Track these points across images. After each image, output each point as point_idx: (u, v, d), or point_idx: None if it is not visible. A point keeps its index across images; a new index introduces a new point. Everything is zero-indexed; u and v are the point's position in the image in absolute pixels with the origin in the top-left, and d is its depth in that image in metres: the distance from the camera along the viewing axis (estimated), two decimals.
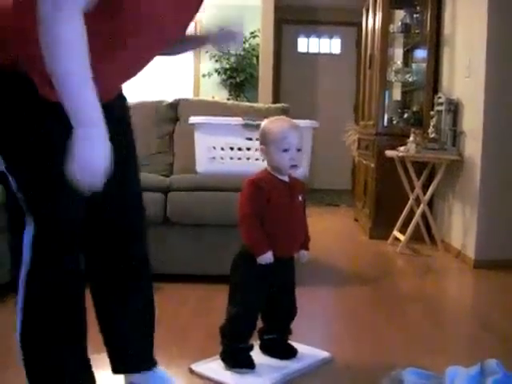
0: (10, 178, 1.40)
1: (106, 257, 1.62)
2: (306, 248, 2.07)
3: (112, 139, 1.33)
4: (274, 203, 1.92)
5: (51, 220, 1.40)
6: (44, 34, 1.18)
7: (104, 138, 1.25)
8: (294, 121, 2.05)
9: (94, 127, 1.23)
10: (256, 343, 2.06)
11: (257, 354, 2.02)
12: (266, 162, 2.01)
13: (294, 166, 1.94)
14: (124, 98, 1.67)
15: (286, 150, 1.92)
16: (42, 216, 1.40)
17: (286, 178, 1.99)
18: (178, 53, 1.77)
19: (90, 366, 1.55)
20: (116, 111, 1.58)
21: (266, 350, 2.07)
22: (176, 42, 1.57)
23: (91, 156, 1.23)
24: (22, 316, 1.43)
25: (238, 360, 1.96)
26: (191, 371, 1.95)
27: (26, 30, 1.27)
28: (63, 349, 1.47)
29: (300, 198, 2.02)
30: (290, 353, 2.07)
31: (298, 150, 1.94)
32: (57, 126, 1.33)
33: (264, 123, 2.01)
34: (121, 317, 1.65)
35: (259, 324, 2.05)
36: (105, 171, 1.24)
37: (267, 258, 1.91)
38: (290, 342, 2.11)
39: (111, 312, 1.66)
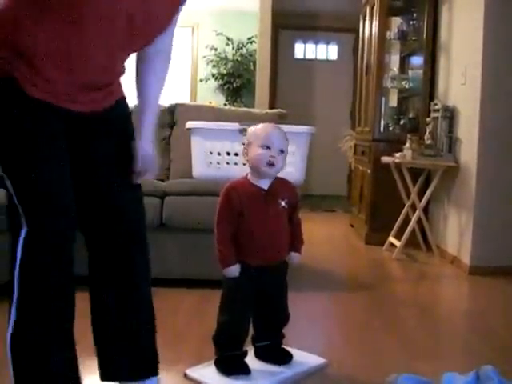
0: (6, 181, 1.44)
1: (107, 263, 1.62)
2: (297, 250, 2.05)
3: (114, 150, 1.58)
4: (247, 214, 1.90)
5: (40, 222, 1.43)
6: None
7: None
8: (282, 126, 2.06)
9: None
10: (250, 350, 2.06)
11: (252, 361, 2.02)
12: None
13: (270, 165, 1.90)
14: (125, 107, 1.67)
15: (267, 148, 1.90)
16: (32, 218, 1.43)
17: (264, 185, 1.94)
18: None
19: (77, 368, 1.53)
20: (117, 121, 1.62)
21: (261, 356, 2.06)
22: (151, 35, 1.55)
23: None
24: (15, 316, 1.44)
25: (232, 367, 1.95)
26: (186, 376, 1.95)
27: (11, 28, 1.35)
28: (51, 350, 1.47)
29: (283, 203, 1.96)
30: (285, 357, 2.06)
31: (281, 151, 1.92)
32: (45, 128, 1.44)
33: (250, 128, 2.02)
34: (120, 322, 1.63)
35: (252, 331, 2.05)
36: None
37: (232, 271, 1.90)
38: (284, 346, 2.10)
39: (108, 317, 1.63)
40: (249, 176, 1.96)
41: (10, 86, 1.40)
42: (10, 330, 1.45)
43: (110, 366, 1.65)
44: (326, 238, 4.90)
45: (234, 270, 1.90)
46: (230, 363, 1.96)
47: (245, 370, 1.95)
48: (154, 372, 1.68)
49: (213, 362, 1.99)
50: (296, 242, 2.05)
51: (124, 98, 1.66)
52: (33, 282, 1.44)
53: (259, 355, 2.07)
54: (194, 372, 1.96)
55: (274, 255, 1.99)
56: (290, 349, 2.10)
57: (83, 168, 1.57)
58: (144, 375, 1.66)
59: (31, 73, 1.40)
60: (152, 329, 1.70)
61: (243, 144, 2.01)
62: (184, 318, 2.59)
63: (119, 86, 1.64)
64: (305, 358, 2.10)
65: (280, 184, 1.98)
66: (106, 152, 1.59)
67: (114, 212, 1.60)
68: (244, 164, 3.05)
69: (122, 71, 1.60)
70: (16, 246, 1.43)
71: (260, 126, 1.98)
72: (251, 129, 1.99)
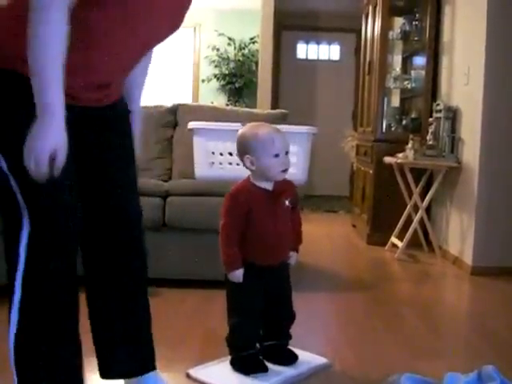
0: (11, 178, 1.39)
1: (105, 264, 1.62)
2: (295, 250, 2.06)
3: (112, 147, 1.54)
4: (254, 215, 1.90)
5: (47, 219, 1.40)
6: (28, 31, 1.27)
7: (58, 130, 1.29)
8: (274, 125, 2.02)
9: (52, 117, 1.28)
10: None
11: None
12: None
13: (284, 171, 1.92)
14: (125, 106, 1.66)
15: (276, 155, 1.89)
16: (37, 215, 1.40)
17: (269, 186, 1.94)
18: None
19: (81, 368, 1.53)
20: (120, 120, 1.62)
21: (267, 356, 2.06)
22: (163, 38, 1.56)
23: (40, 144, 1.27)
24: (18, 316, 1.42)
25: (249, 366, 1.95)
26: (188, 376, 1.95)
27: (20, 28, 1.31)
28: (55, 351, 1.46)
29: (287, 202, 1.97)
30: (290, 358, 2.06)
31: (286, 152, 1.92)
32: None
33: (242, 131, 1.95)
34: (119, 322, 1.64)
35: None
36: (53, 163, 1.29)
37: (237, 275, 1.90)
38: (290, 347, 2.09)
39: (108, 318, 1.64)
40: (251, 179, 1.95)
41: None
42: (13, 331, 1.42)
43: (111, 364, 1.66)
44: (328, 238, 4.90)
45: (239, 274, 1.91)
46: (247, 362, 1.96)
47: (263, 368, 1.95)
48: (152, 367, 1.69)
49: (215, 361, 2.00)
50: (296, 241, 2.07)
51: (123, 98, 1.65)
52: (39, 284, 1.41)
53: (265, 354, 2.06)
54: (196, 372, 1.96)
55: (280, 255, 2.01)
56: (293, 349, 2.10)
57: (87, 165, 1.55)
58: (143, 371, 1.67)
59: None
60: (149, 327, 1.70)
61: (243, 153, 1.92)
62: (186, 318, 2.59)
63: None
64: (307, 358, 2.09)
65: (282, 183, 1.97)
66: (110, 150, 1.59)
67: (115, 212, 1.60)
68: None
69: None
70: (17, 247, 1.40)
71: (258, 130, 1.92)
72: (249, 134, 1.91)
